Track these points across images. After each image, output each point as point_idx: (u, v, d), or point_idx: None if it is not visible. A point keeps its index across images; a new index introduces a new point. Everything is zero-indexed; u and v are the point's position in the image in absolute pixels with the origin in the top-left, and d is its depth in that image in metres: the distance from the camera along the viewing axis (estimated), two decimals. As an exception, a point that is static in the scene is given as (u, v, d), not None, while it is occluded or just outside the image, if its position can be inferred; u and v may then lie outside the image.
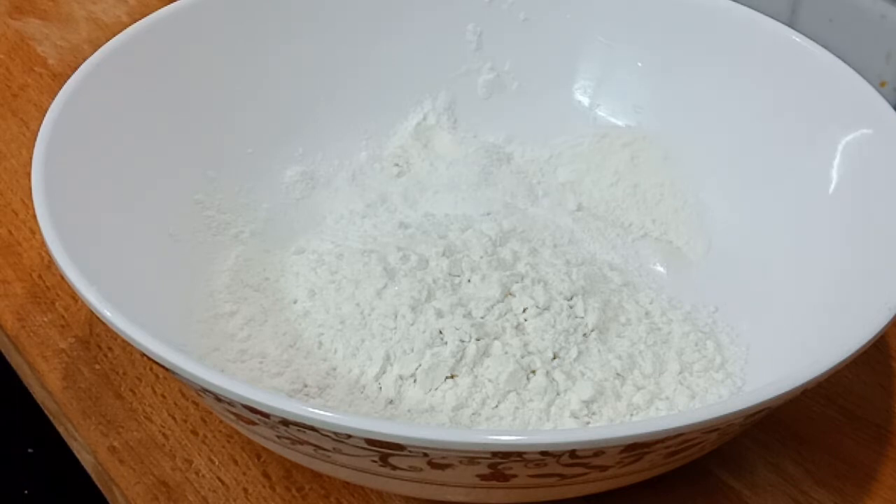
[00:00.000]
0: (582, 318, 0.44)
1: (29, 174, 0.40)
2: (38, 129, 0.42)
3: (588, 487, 0.38)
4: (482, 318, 0.43)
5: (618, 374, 0.43)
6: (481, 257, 0.45)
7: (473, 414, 0.41)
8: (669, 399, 0.42)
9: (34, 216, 0.39)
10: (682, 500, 0.42)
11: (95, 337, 0.47)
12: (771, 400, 0.34)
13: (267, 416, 0.34)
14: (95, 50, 0.47)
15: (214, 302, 0.46)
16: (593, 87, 0.55)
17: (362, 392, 0.42)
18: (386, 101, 0.55)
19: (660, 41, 0.53)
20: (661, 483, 0.40)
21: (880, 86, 0.54)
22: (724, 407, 0.34)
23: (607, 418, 0.41)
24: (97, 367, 0.46)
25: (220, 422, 0.44)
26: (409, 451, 0.33)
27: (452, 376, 0.42)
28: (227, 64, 0.51)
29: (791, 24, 0.52)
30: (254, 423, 0.36)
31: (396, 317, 0.43)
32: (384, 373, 0.42)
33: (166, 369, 0.35)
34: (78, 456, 0.44)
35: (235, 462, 0.43)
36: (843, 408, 0.45)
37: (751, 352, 0.45)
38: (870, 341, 0.36)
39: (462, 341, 0.42)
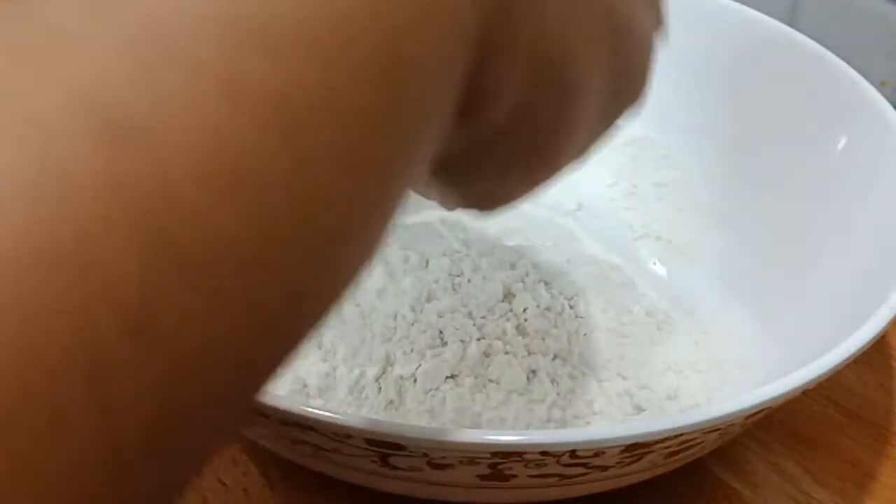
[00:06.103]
0: (583, 318, 0.44)
1: (29, 174, 0.40)
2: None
3: (588, 487, 0.38)
4: (483, 318, 0.43)
5: (618, 374, 0.43)
6: (482, 257, 0.45)
7: (474, 414, 0.41)
8: (670, 399, 0.42)
9: (34, 216, 0.39)
10: (682, 500, 0.42)
11: (96, 337, 0.47)
12: (771, 400, 0.34)
13: (267, 416, 0.34)
14: (95, 50, 0.47)
15: (215, 302, 0.46)
16: (593, 87, 0.54)
17: (362, 392, 0.41)
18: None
19: (659, 41, 0.53)
20: (661, 483, 0.40)
21: (880, 86, 0.54)
22: (724, 407, 0.34)
23: (608, 418, 0.41)
24: (97, 367, 0.46)
25: (221, 422, 0.44)
26: (409, 451, 0.33)
27: (453, 376, 0.42)
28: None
29: (791, 24, 0.52)
30: (254, 423, 0.36)
31: (397, 317, 0.43)
32: (384, 373, 0.42)
33: (166, 369, 0.35)
34: (78, 456, 0.44)
35: (235, 462, 0.42)
36: (843, 408, 0.45)
37: (751, 352, 0.45)
38: (870, 341, 0.36)
39: (463, 341, 0.42)
